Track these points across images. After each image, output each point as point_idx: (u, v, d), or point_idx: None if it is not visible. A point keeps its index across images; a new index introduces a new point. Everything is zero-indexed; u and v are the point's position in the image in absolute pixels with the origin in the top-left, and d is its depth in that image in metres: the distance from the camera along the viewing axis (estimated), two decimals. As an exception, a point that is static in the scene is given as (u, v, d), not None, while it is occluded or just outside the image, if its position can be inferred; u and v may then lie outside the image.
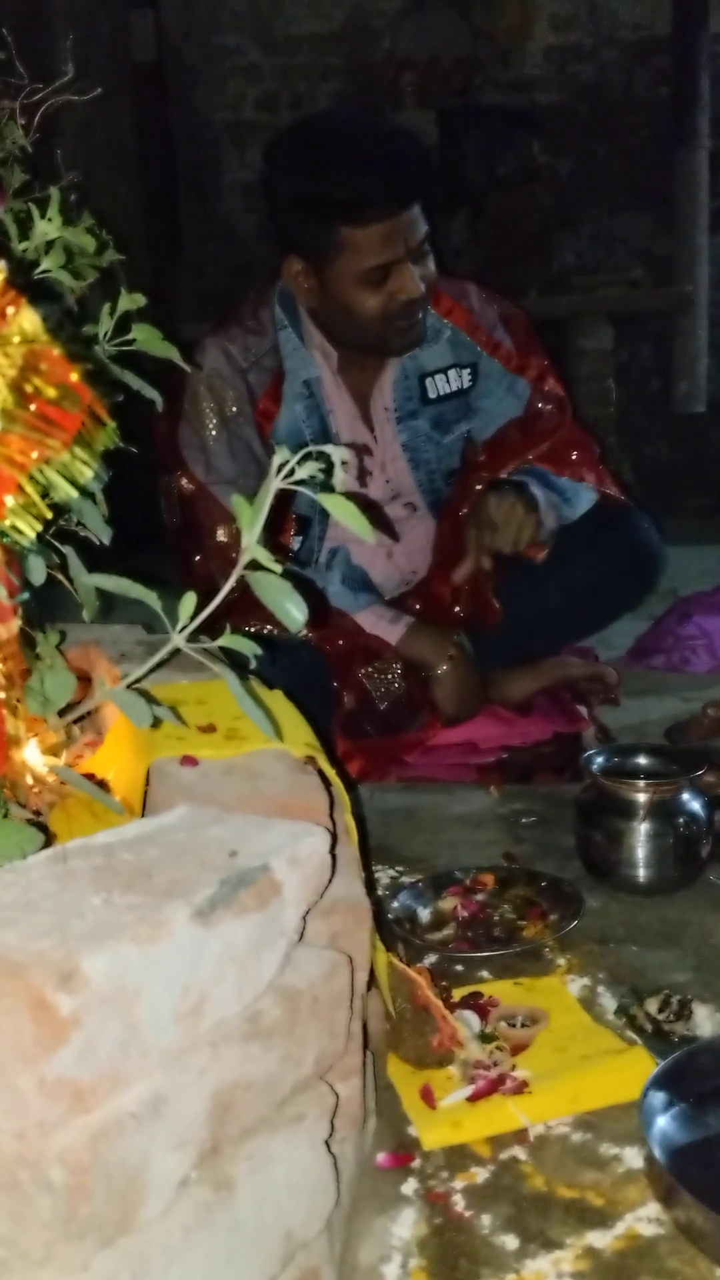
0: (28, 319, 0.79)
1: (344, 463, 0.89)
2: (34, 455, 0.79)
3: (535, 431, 2.16)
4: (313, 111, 4.73)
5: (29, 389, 0.77)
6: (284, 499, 0.92)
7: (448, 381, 2.14)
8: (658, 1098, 1.07)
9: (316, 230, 1.91)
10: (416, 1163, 1.06)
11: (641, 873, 1.51)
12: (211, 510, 1.97)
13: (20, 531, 0.82)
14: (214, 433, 2.01)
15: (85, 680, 1.11)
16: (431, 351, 2.12)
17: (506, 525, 1.99)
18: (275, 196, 1.98)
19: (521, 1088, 1.12)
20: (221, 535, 1.96)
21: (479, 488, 2.11)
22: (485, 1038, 1.19)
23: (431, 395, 2.14)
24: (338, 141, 1.96)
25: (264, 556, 0.90)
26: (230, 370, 2.02)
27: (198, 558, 1.99)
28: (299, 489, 0.90)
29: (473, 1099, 1.12)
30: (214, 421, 2.01)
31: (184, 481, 2.02)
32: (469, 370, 2.15)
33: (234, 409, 2.02)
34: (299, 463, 0.90)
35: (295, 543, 2.09)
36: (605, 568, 2.14)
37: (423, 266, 1.96)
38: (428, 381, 2.14)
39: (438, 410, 2.16)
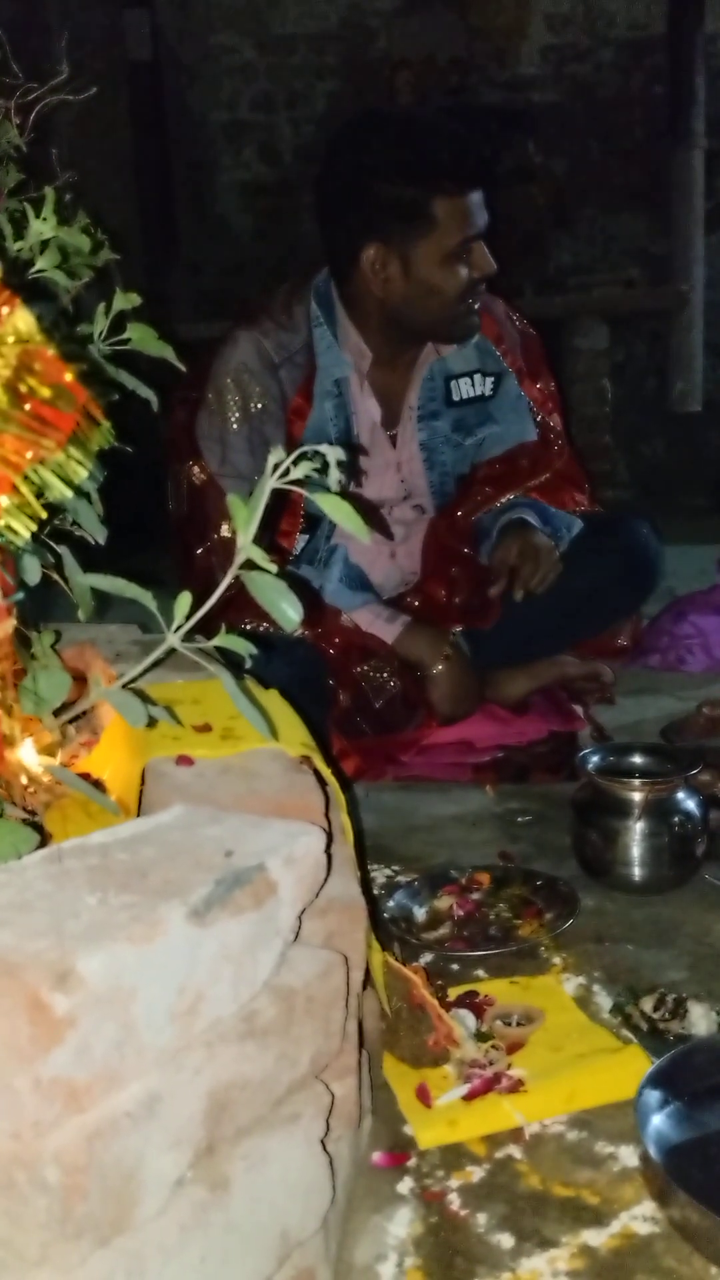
0: (22, 319, 0.79)
1: (341, 464, 0.89)
2: (29, 455, 0.79)
3: (538, 463, 2.21)
4: (318, 110, 4.74)
5: (23, 389, 0.77)
6: (290, 498, 0.92)
7: (472, 385, 2.17)
8: (653, 1096, 1.07)
9: (408, 209, 1.93)
10: (412, 1161, 1.06)
11: (637, 871, 1.51)
12: (219, 503, 1.96)
13: (15, 531, 0.82)
14: (235, 426, 2.01)
15: (80, 680, 1.11)
16: (459, 355, 2.15)
17: (545, 566, 2.08)
18: (355, 179, 1.97)
19: (517, 1086, 1.12)
20: (226, 530, 1.95)
21: (485, 510, 2.19)
22: (481, 1036, 1.19)
23: (456, 398, 2.17)
24: (420, 119, 2.04)
25: (259, 556, 0.90)
26: (260, 365, 2.01)
27: (199, 550, 1.99)
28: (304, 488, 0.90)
29: (468, 1098, 1.12)
30: (236, 415, 2.01)
31: (195, 471, 2.02)
32: (492, 379, 2.18)
33: (259, 405, 2.01)
34: (295, 463, 0.90)
35: (301, 541, 2.09)
36: (603, 571, 2.15)
37: None
38: (453, 384, 2.16)
39: (460, 413, 2.18)
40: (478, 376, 2.17)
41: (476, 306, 2.05)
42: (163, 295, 4.49)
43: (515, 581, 2.08)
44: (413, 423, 2.15)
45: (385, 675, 2.06)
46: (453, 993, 1.28)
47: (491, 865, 1.60)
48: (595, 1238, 0.96)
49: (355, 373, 2.08)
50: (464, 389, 2.17)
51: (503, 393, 2.19)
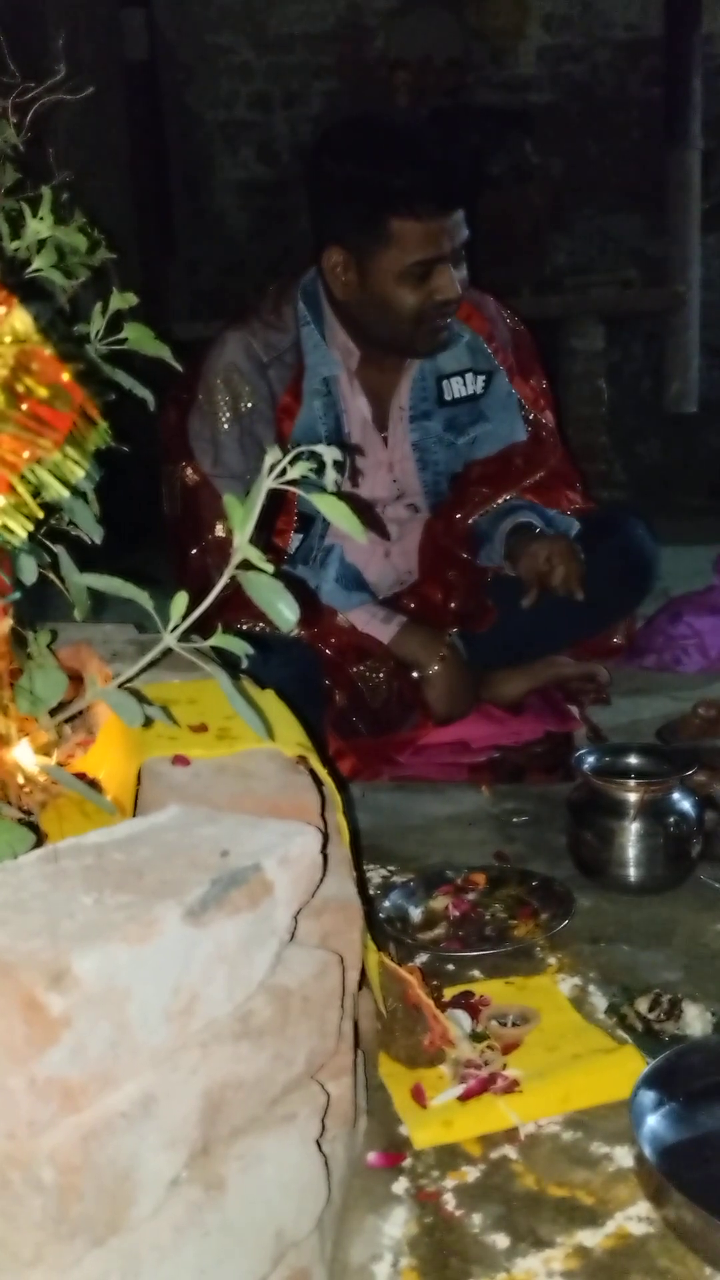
0: (19, 318, 0.79)
1: (336, 463, 0.89)
2: (26, 455, 0.79)
3: (531, 461, 2.20)
4: (315, 109, 4.75)
5: (20, 389, 0.77)
6: (284, 497, 0.92)
7: (464, 385, 2.16)
8: (648, 1097, 1.07)
9: (365, 220, 1.92)
10: (407, 1162, 1.06)
11: (632, 872, 1.52)
12: (213, 504, 1.96)
13: (12, 531, 0.82)
14: (226, 426, 2.01)
15: (76, 679, 1.11)
16: (449, 354, 2.14)
17: (577, 565, 2.07)
18: (325, 183, 1.98)
19: (512, 1087, 1.12)
20: (220, 530, 1.96)
21: (482, 511, 2.18)
22: (476, 1037, 1.19)
23: (448, 397, 2.16)
24: (399, 135, 2.00)
25: (255, 556, 0.90)
26: (250, 365, 2.02)
27: (194, 551, 2.00)
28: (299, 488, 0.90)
29: (464, 1098, 1.12)
30: (227, 415, 2.01)
31: (189, 472, 2.02)
32: (484, 377, 2.17)
33: (249, 404, 2.01)
34: (291, 462, 0.90)
35: (295, 540, 2.09)
36: (600, 572, 2.15)
37: (459, 271, 1.97)
38: (444, 383, 2.16)
39: (452, 413, 2.17)
40: (469, 375, 2.17)
41: (446, 324, 2.02)
42: (159, 294, 4.49)
43: (549, 587, 2.07)
44: (404, 424, 2.15)
45: (381, 675, 2.06)
46: (448, 993, 1.28)
47: (487, 865, 1.60)
48: (590, 1238, 0.96)
49: (344, 371, 2.08)
50: (455, 388, 2.17)
51: (494, 390, 2.19)
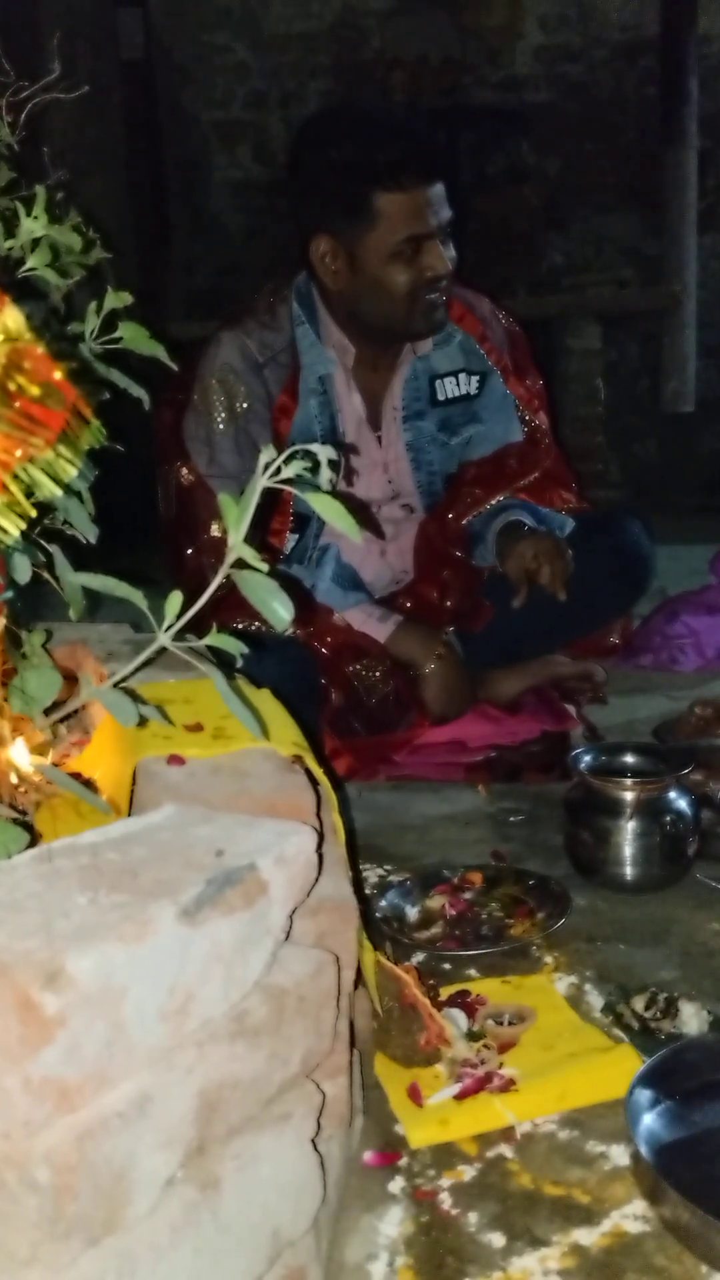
0: (12, 317, 0.79)
1: (331, 462, 0.89)
2: (18, 453, 0.78)
3: (525, 462, 2.21)
4: (311, 109, 4.75)
5: (13, 387, 0.77)
6: (280, 497, 0.92)
7: (457, 385, 2.17)
8: (644, 1095, 1.07)
9: (351, 202, 1.92)
10: (403, 1161, 1.06)
11: (629, 871, 1.52)
12: (209, 504, 1.97)
13: (5, 530, 0.82)
14: (221, 426, 2.01)
15: (71, 679, 1.11)
16: (442, 354, 2.15)
17: (564, 562, 2.07)
18: (307, 173, 1.99)
19: (508, 1086, 1.12)
20: (216, 530, 1.96)
21: (475, 512, 2.18)
22: (473, 1036, 1.19)
23: (440, 398, 2.17)
24: (373, 115, 2.06)
25: (250, 555, 0.90)
26: (245, 366, 2.02)
27: (189, 550, 2.00)
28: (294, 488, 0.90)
29: (460, 1097, 1.12)
30: (222, 415, 2.02)
31: (184, 472, 2.02)
32: (477, 378, 2.18)
33: (244, 405, 2.02)
34: (286, 462, 0.90)
35: (291, 540, 2.10)
36: (596, 571, 2.15)
37: (447, 249, 1.98)
38: (437, 384, 2.16)
39: (445, 413, 2.18)
40: (463, 375, 2.17)
41: (441, 301, 2.03)
42: (155, 294, 4.49)
43: (536, 584, 2.07)
44: (397, 424, 2.16)
45: (378, 674, 2.06)
46: (444, 992, 1.28)
47: (484, 865, 1.60)
48: (586, 1236, 0.96)
49: (340, 369, 2.08)
50: (449, 388, 2.17)
51: (488, 391, 2.19)
